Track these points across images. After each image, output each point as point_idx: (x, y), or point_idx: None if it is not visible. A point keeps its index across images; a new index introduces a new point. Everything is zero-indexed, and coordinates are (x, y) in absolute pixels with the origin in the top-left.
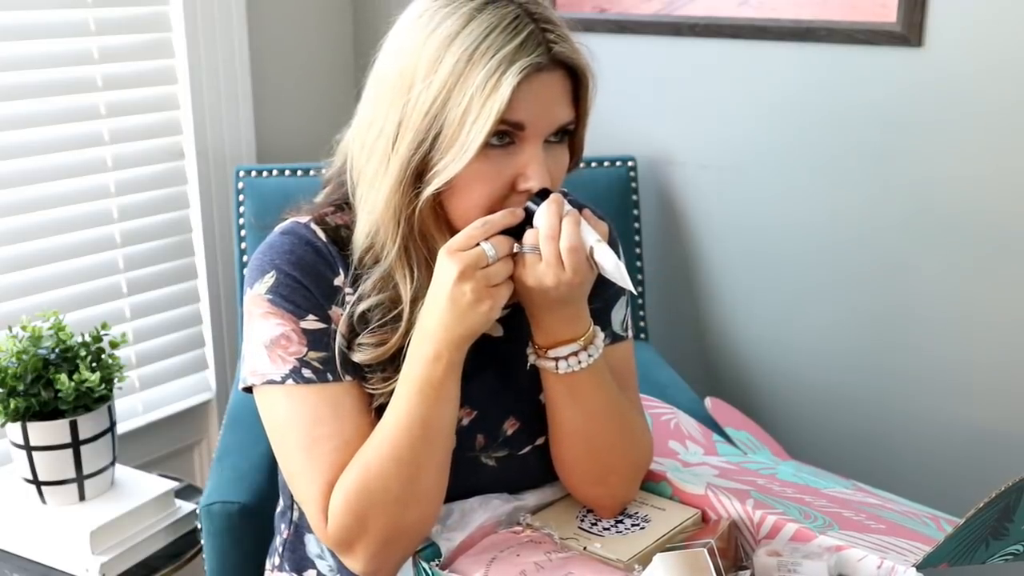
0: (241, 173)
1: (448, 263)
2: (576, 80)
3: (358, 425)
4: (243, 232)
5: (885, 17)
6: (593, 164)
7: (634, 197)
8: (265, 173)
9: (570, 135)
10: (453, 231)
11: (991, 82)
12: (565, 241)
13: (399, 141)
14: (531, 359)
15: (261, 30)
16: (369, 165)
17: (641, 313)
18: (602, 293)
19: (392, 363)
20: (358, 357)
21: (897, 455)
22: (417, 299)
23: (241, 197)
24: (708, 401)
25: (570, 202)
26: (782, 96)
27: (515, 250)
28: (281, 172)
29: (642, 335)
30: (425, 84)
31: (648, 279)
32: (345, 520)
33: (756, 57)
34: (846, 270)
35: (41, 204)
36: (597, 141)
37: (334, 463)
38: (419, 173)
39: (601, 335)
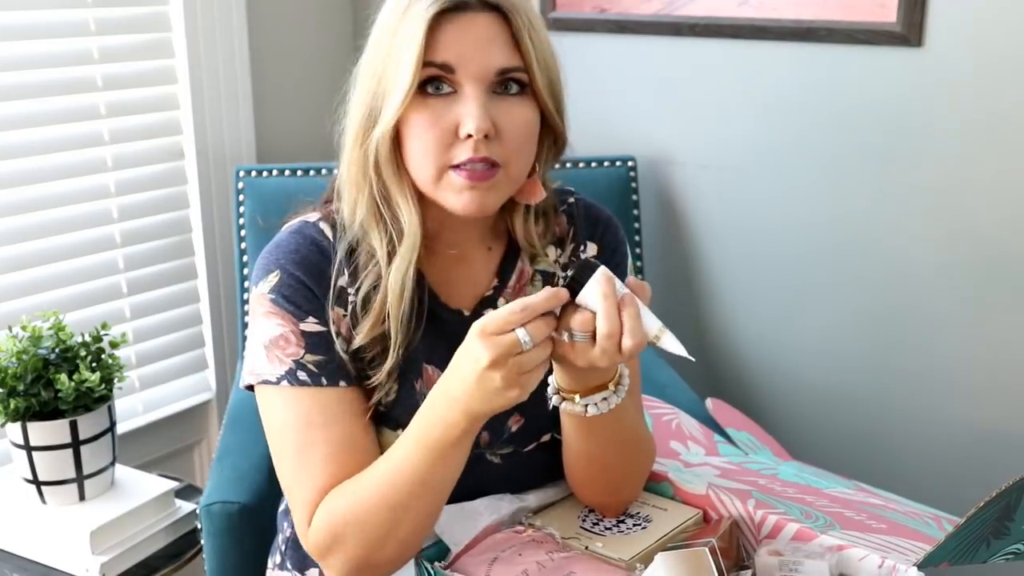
0: (241, 173)
1: (480, 348)
2: (526, 22)
3: (350, 432)
4: (243, 232)
5: (885, 17)
6: (593, 164)
7: (634, 197)
8: (265, 173)
9: (531, 90)
10: (415, 187)
11: (991, 82)
12: (629, 340)
13: (360, 102)
14: (553, 401)
15: (261, 30)
16: (344, 134)
17: None
18: None
19: (385, 351)
20: (357, 341)
21: (898, 455)
22: (391, 256)
23: (241, 197)
24: (709, 402)
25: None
26: (782, 96)
27: (565, 339)
28: (281, 172)
29: None
30: (377, 41)
31: (648, 279)
32: (324, 538)
33: (756, 57)
34: (846, 270)
35: (41, 204)
36: (597, 141)
37: (323, 469)
38: (372, 126)
39: (627, 372)
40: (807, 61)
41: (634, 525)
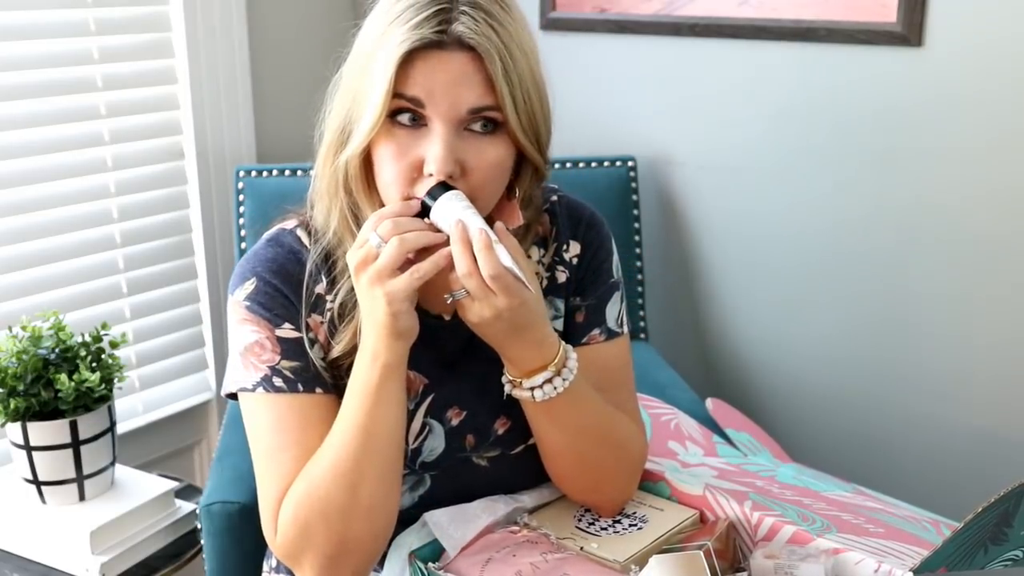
0: (241, 173)
1: (348, 262)
2: (499, 64)
3: (322, 438)
4: (243, 232)
5: (885, 17)
6: (593, 164)
7: (634, 197)
8: (265, 173)
9: (506, 129)
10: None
11: (991, 82)
12: (485, 271)
13: (333, 117)
14: (507, 389)
15: (261, 30)
16: (319, 144)
17: (641, 313)
18: (595, 290)
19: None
20: (336, 351)
21: (898, 459)
22: None
23: (241, 197)
24: (709, 402)
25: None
26: (782, 96)
27: (447, 299)
28: (281, 172)
29: (642, 335)
30: (355, 60)
31: (648, 279)
32: (290, 532)
33: (756, 57)
34: (846, 270)
35: (41, 204)
36: (597, 141)
37: (291, 473)
38: (343, 145)
39: (574, 356)
40: (807, 61)
41: (630, 525)
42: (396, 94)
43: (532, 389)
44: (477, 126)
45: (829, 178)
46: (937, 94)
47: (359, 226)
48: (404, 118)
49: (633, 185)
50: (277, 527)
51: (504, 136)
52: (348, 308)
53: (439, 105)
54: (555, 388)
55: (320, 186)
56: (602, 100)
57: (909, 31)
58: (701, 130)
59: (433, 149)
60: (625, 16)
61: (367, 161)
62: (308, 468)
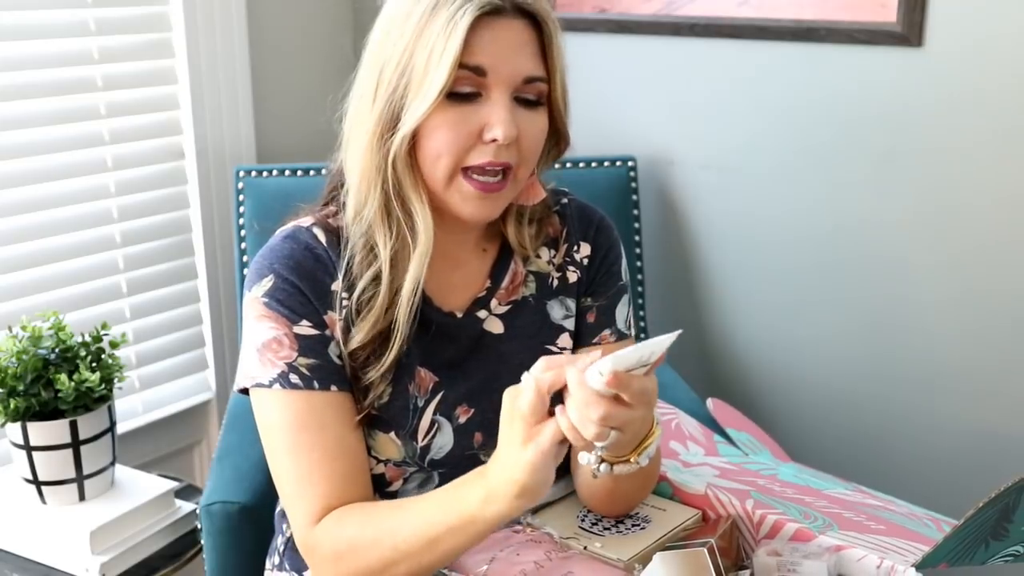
0: (241, 173)
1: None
2: (543, 34)
3: (341, 437)
4: (243, 232)
5: (885, 17)
6: (593, 164)
7: (634, 197)
8: (265, 173)
9: (548, 103)
10: (427, 187)
11: (991, 82)
12: (647, 399)
13: (377, 97)
14: (603, 471)
15: (261, 30)
16: (354, 129)
17: (641, 313)
18: (606, 291)
19: (381, 350)
20: (354, 341)
21: (898, 458)
22: (395, 260)
23: (241, 197)
24: (710, 402)
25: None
26: (782, 96)
27: (611, 438)
28: (281, 172)
29: (642, 335)
30: (398, 37)
31: (648, 279)
32: (323, 548)
33: (756, 57)
34: (846, 270)
35: (41, 204)
36: (597, 141)
37: (320, 475)
38: (393, 124)
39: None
40: (807, 61)
41: (633, 525)
42: (460, 64)
43: (639, 462)
44: (525, 97)
45: (829, 178)
46: (937, 94)
47: (404, 210)
48: (463, 88)
49: (633, 185)
50: (309, 532)
51: (543, 109)
52: (367, 299)
53: (500, 72)
54: (657, 441)
55: (363, 169)
56: (602, 100)
57: (909, 31)
58: (701, 130)
59: (497, 114)
60: (625, 16)
61: (411, 141)
62: (361, 527)
